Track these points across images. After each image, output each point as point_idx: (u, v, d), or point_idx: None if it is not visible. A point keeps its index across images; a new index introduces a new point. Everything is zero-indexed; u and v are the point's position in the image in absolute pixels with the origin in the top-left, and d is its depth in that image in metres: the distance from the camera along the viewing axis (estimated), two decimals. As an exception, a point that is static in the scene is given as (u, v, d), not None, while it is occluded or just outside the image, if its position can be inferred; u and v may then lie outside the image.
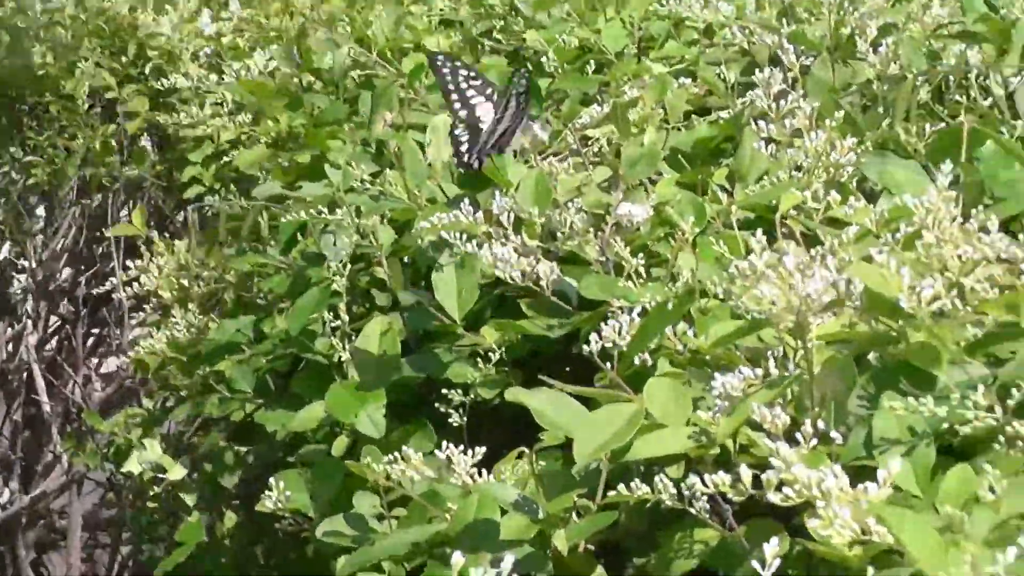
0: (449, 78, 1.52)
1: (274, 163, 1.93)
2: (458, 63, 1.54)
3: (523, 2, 2.10)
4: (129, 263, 1.84)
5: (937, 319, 0.95)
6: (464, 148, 1.50)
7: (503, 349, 1.33)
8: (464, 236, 1.30)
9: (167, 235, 2.31)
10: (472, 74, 1.54)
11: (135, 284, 1.81)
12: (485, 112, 1.51)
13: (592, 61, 1.92)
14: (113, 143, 2.94)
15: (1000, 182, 1.29)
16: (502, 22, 2.13)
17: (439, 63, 1.54)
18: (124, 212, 3.05)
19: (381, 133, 1.69)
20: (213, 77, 2.34)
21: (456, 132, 1.51)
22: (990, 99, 1.50)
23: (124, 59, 2.89)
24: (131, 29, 2.90)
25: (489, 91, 1.53)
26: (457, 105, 1.52)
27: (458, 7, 2.29)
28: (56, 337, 3.31)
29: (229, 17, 2.71)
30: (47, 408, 3.18)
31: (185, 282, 1.81)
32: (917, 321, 0.90)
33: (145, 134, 2.91)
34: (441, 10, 2.30)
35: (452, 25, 2.23)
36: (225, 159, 2.28)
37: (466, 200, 1.31)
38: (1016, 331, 0.91)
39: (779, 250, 0.93)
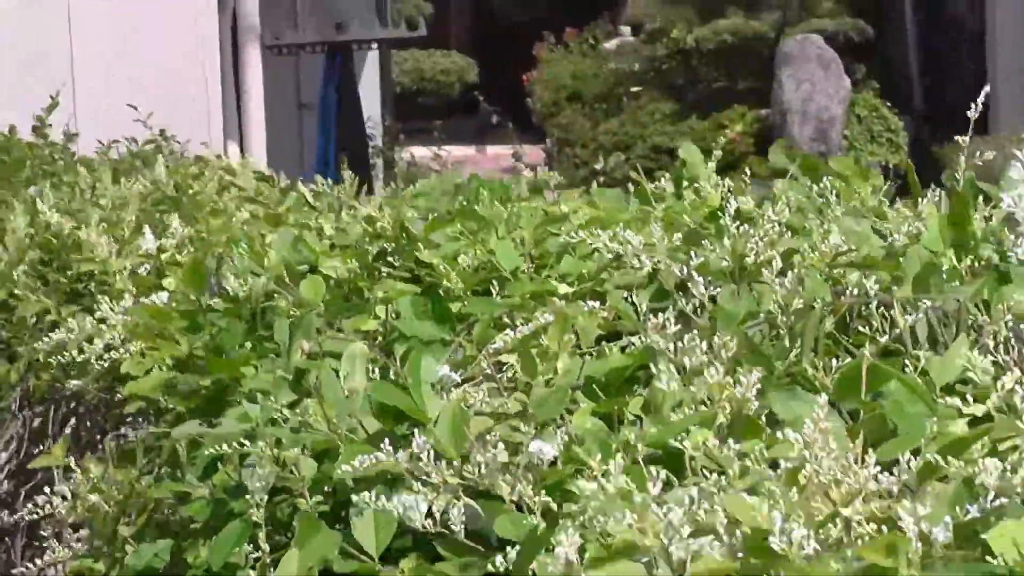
0: None
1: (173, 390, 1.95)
2: None
3: (412, 224, 2.16)
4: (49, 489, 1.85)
5: (820, 551, 1.00)
6: None
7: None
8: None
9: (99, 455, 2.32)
10: None
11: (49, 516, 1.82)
12: None
13: (494, 280, 1.97)
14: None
15: (904, 417, 1.34)
16: (393, 244, 2.18)
17: None
18: (68, 426, 3.06)
19: (299, 362, 1.72)
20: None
21: None
22: (897, 330, 1.56)
23: (68, 273, 2.94)
24: (75, 247, 2.95)
25: None
26: None
27: (348, 230, 2.35)
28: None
29: (173, 233, 2.76)
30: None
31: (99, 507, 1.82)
32: (789, 562, 0.94)
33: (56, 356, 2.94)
34: (331, 236, 2.36)
35: (347, 249, 2.27)
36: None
37: (387, 440, 1.34)
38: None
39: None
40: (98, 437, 2.92)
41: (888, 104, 13.45)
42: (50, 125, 4.02)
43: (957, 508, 1.07)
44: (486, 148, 16.92)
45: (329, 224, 2.46)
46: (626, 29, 16.13)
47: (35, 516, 1.86)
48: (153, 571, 1.67)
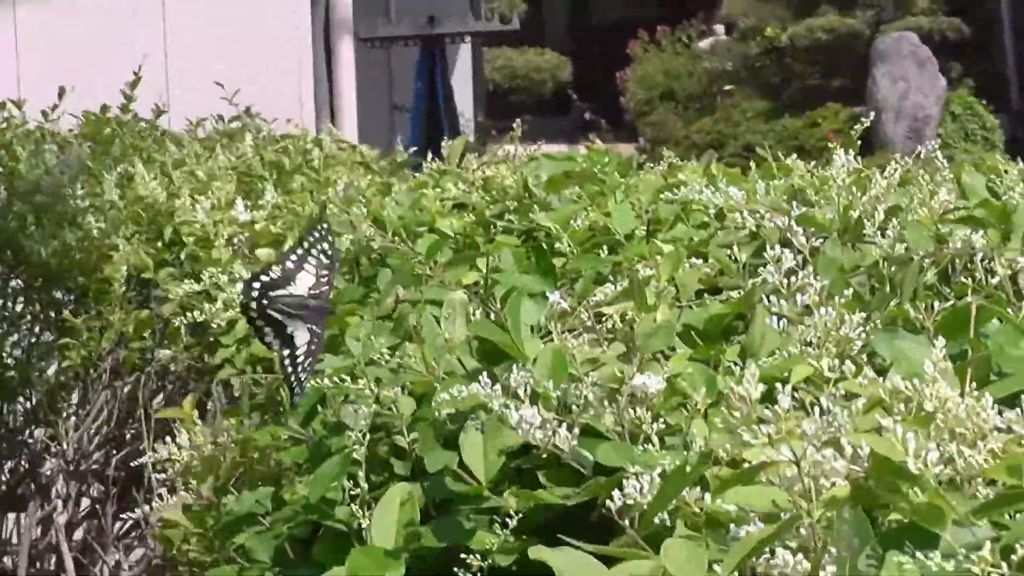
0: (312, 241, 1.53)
1: None
2: (329, 235, 1.53)
3: (536, 185, 2.16)
4: (158, 444, 1.87)
5: (945, 487, 0.99)
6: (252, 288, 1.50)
7: (521, 516, 1.36)
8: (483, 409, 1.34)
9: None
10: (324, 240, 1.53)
11: (166, 464, 1.84)
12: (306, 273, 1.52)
13: (603, 244, 1.97)
14: (147, 325, 3.01)
15: (1007, 358, 1.33)
16: (516, 204, 2.19)
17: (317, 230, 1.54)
18: (159, 396, 3.10)
19: (389, 307, 1.73)
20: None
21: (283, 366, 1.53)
22: (996, 279, 1.55)
23: (160, 244, 2.97)
24: (168, 215, 2.98)
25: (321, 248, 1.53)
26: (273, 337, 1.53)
27: (471, 191, 2.36)
28: (88, 519, 3.33)
29: (264, 205, 2.78)
30: (77, 591, 3.19)
31: (210, 458, 1.84)
32: (923, 483, 0.93)
33: (179, 317, 2.97)
34: (455, 197, 2.36)
35: (465, 208, 2.29)
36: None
37: (484, 374, 1.35)
38: (1020, 494, 0.94)
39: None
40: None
41: (984, 102, 13.33)
42: (135, 98, 4.05)
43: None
44: (578, 147, 16.90)
45: (451, 184, 2.47)
46: (720, 28, 16.08)
47: (156, 460, 1.87)
48: (254, 519, 1.68)
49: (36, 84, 4.36)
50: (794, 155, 2.43)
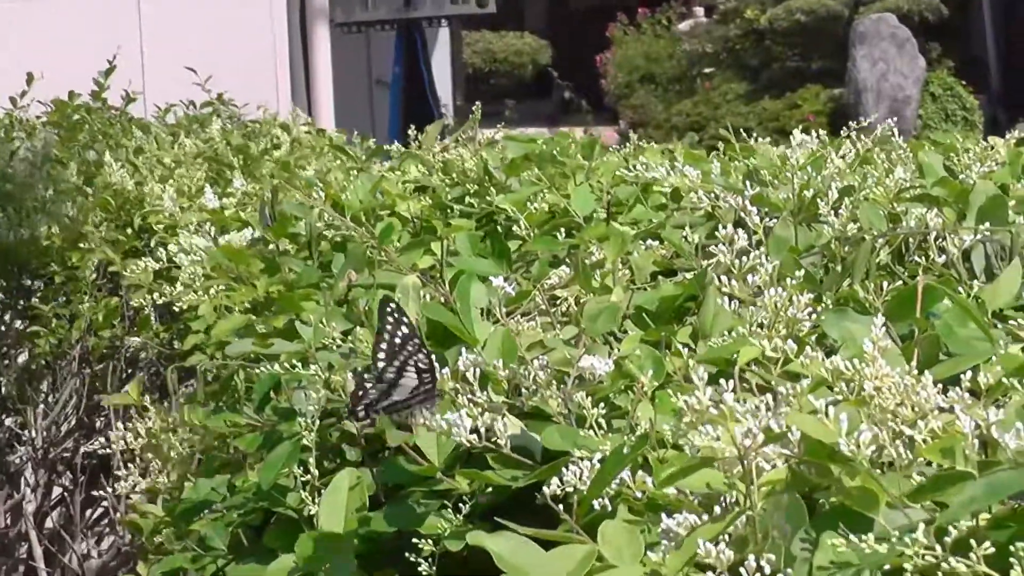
0: (391, 327, 1.40)
1: (251, 330, 1.96)
2: (405, 319, 1.40)
3: (496, 168, 2.15)
4: (119, 425, 1.86)
5: (882, 468, 0.98)
6: (362, 399, 1.41)
7: (472, 502, 1.36)
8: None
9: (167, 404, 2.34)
10: (413, 337, 1.40)
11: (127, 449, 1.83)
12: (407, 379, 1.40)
13: (562, 227, 1.97)
14: (116, 314, 3.00)
15: (955, 338, 1.33)
16: (476, 187, 2.19)
17: (389, 311, 1.40)
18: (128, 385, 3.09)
19: (343, 291, 1.73)
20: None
21: (366, 381, 1.41)
22: (945, 259, 1.55)
23: (129, 231, 2.96)
24: (136, 203, 2.97)
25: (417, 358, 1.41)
26: (381, 356, 1.40)
27: (432, 173, 2.35)
28: (58, 507, 3.32)
29: (233, 192, 2.77)
30: (45, 577, 3.18)
31: (166, 445, 1.83)
32: (855, 466, 0.93)
33: (149, 304, 2.97)
34: (416, 180, 2.35)
35: (426, 191, 2.28)
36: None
37: (433, 358, 1.34)
38: (954, 475, 0.94)
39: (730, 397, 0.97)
40: (157, 395, 2.95)
41: (964, 83, 13.34)
42: (108, 87, 4.05)
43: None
44: (559, 130, 16.88)
45: (414, 168, 2.46)
46: (699, 10, 16.07)
47: (108, 450, 1.86)
48: (210, 505, 1.68)
49: (8, 71, 4.34)
50: (766, 138, 2.43)
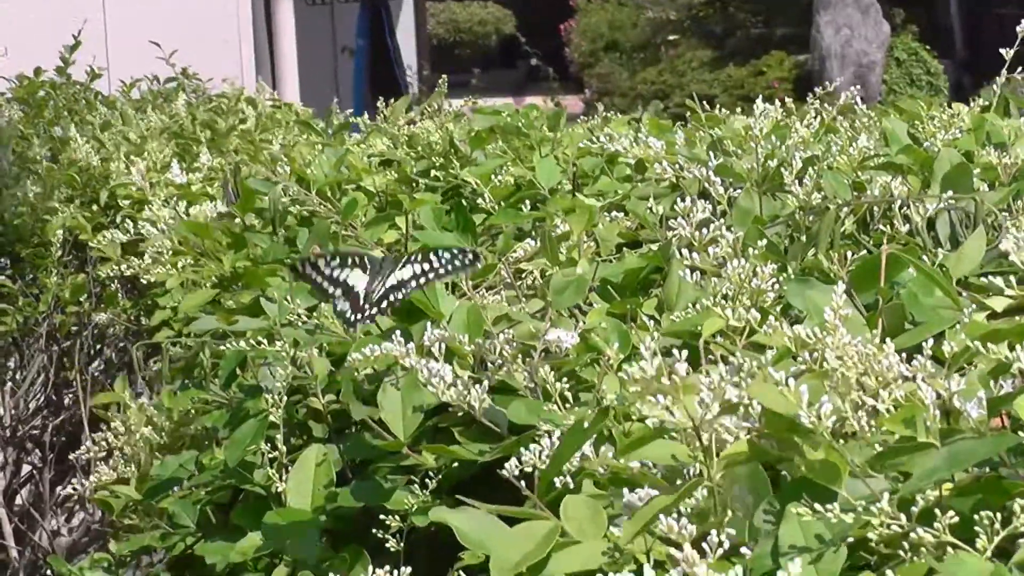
0: (316, 276, 1.51)
1: (218, 306, 1.96)
2: (316, 259, 1.52)
3: (462, 140, 2.15)
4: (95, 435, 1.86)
5: (844, 438, 0.98)
6: (349, 315, 1.49)
7: (439, 477, 1.36)
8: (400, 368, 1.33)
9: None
10: (333, 259, 1.51)
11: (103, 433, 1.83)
12: (356, 279, 1.50)
13: (527, 199, 1.96)
14: (83, 290, 2.98)
15: (920, 307, 1.33)
16: (441, 160, 2.18)
17: (302, 269, 1.52)
18: (97, 361, 3.08)
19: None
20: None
21: (339, 307, 1.50)
22: (910, 227, 1.55)
23: (95, 208, 2.95)
24: (102, 179, 2.96)
25: (353, 260, 1.51)
26: (333, 289, 1.50)
27: (397, 147, 2.34)
28: (27, 485, 3.31)
29: (199, 167, 2.76)
30: (15, 555, 3.16)
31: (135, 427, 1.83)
32: (817, 438, 0.93)
33: (116, 280, 2.95)
34: (381, 153, 2.34)
35: (391, 164, 2.27)
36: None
37: (398, 332, 1.34)
38: (915, 445, 0.94)
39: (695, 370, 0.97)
40: (125, 372, 2.93)
41: (928, 48, 13.36)
42: (74, 62, 4.03)
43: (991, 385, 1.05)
44: (524, 99, 16.87)
45: (380, 142, 2.45)
46: (663, -24, 16.04)
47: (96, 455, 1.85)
48: (178, 482, 1.67)
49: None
50: (736, 108, 2.43)
